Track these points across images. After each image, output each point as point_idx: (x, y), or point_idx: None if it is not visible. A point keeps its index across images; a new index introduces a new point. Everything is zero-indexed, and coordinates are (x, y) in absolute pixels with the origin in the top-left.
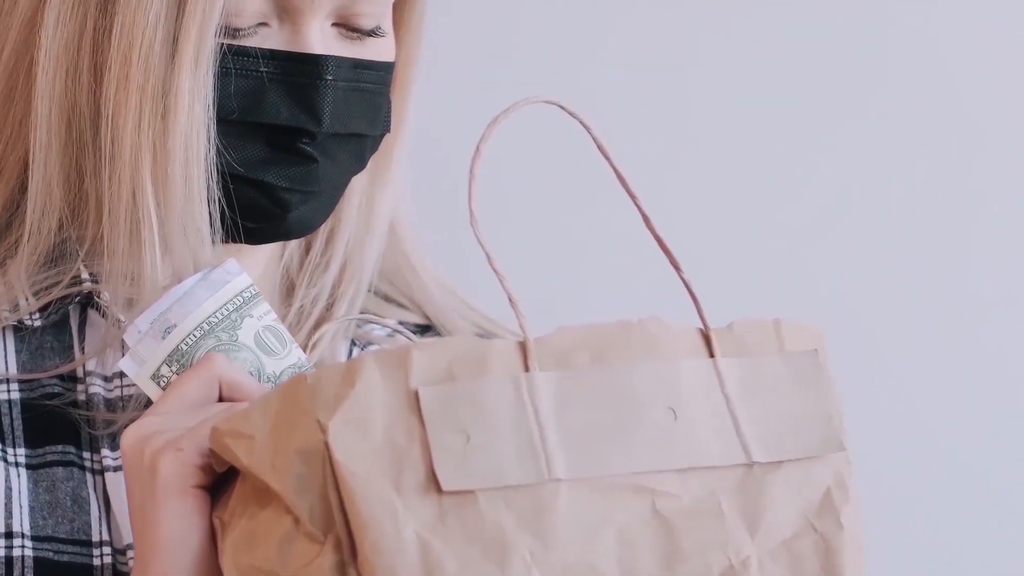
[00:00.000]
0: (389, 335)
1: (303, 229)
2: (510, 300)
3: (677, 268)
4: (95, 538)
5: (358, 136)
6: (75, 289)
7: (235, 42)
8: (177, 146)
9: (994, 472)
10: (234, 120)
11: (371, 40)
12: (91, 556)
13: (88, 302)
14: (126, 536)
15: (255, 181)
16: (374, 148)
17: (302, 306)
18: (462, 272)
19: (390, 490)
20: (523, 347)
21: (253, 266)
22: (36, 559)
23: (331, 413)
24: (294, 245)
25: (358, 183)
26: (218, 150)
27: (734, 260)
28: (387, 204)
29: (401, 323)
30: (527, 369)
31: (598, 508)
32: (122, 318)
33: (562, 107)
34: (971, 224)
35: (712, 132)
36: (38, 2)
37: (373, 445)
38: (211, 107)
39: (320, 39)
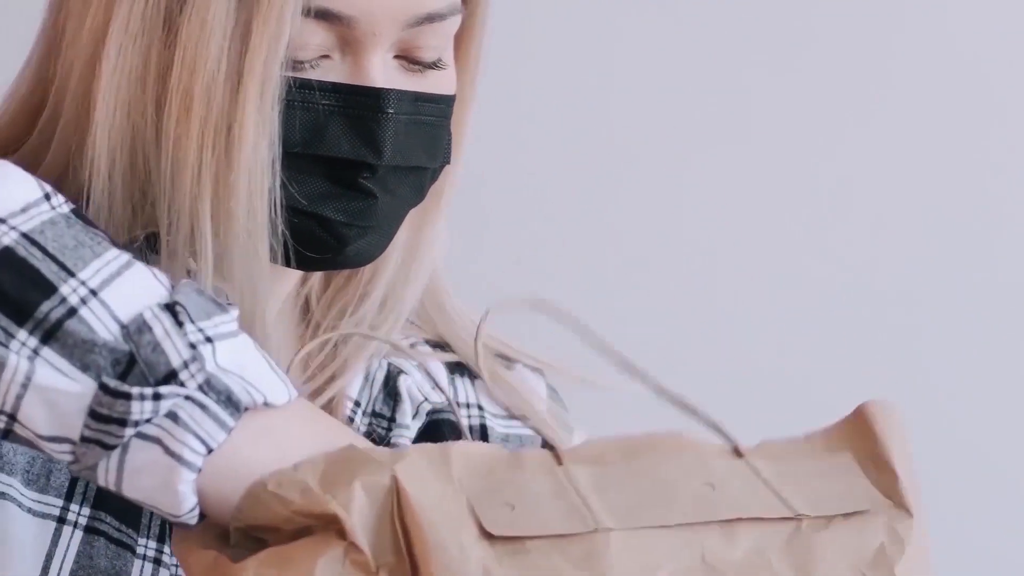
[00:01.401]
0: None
1: (359, 262)
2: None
3: (695, 412)
4: None
5: (418, 169)
6: None
7: (297, 75)
8: (241, 181)
9: None
10: (295, 153)
11: (432, 73)
12: None
13: None
14: None
15: (313, 215)
16: (433, 179)
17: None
18: (463, 272)
19: (454, 527)
20: (555, 452)
21: (286, 283)
22: None
23: (394, 463)
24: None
25: (404, 225)
26: (281, 183)
27: (742, 258)
28: (435, 239)
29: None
30: (560, 464)
31: (648, 555)
32: None
33: (548, 311)
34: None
35: (729, 134)
36: (100, 34)
37: (430, 495)
38: (276, 141)
39: (382, 72)
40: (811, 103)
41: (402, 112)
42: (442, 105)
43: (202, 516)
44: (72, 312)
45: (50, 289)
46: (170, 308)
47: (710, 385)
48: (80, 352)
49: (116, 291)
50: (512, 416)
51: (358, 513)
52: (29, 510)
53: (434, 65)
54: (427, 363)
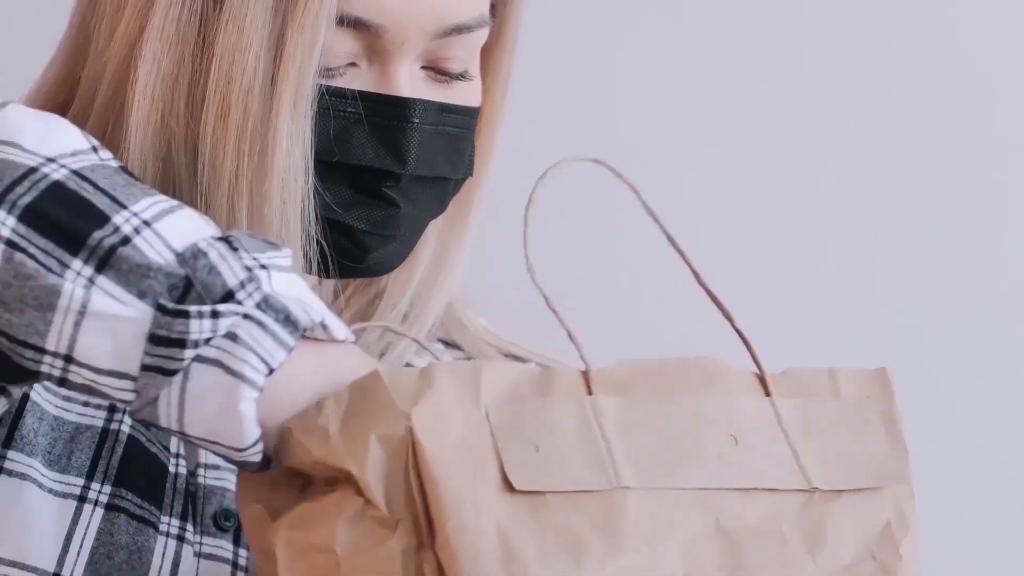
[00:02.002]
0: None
1: (380, 270)
2: (570, 336)
3: (730, 319)
4: None
5: (441, 180)
6: None
7: (325, 82)
8: (274, 188)
9: None
10: (320, 161)
11: (458, 84)
12: None
13: None
14: None
15: (336, 222)
16: (455, 191)
17: (368, 345)
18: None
19: (470, 481)
20: (585, 375)
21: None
22: None
23: (412, 404)
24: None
25: (434, 228)
26: (314, 191)
27: (753, 256)
28: (462, 251)
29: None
30: (590, 393)
31: (665, 518)
32: None
33: (610, 168)
34: None
35: (735, 132)
36: (134, 40)
37: (450, 442)
38: (310, 148)
39: (409, 81)
40: (812, 103)
41: (427, 122)
42: (467, 117)
43: (269, 461)
44: (126, 240)
45: (103, 219)
46: (224, 239)
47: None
48: (135, 277)
49: (169, 223)
50: None
51: (372, 469)
52: (50, 491)
53: (460, 76)
54: (442, 358)
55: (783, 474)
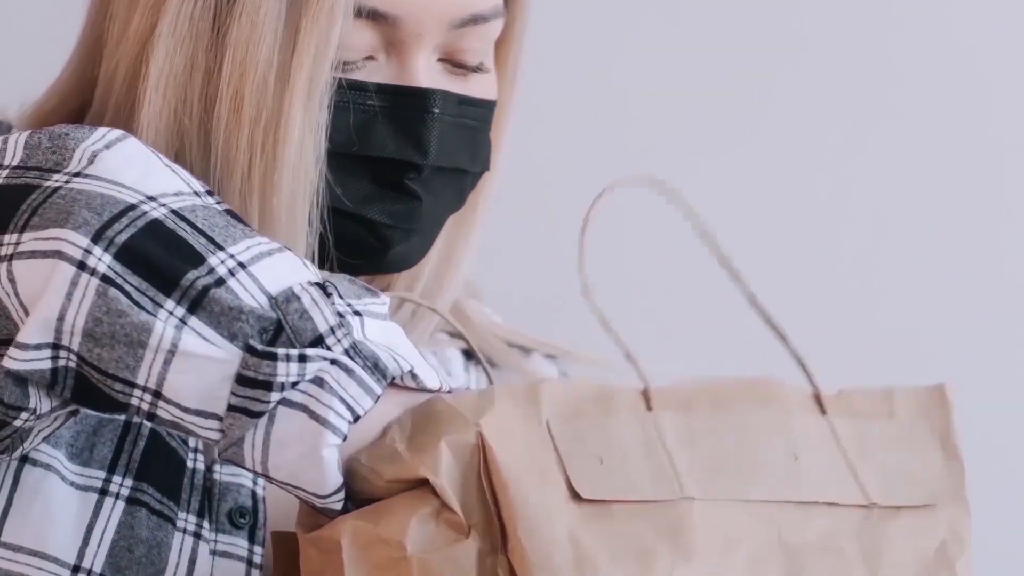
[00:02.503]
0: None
1: (401, 265)
2: (627, 356)
3: (785, 340)
4: None
5: (460, 172)
6: None
7: (343, 75)
8: (284, 180)
9: None
10: (339, 154)
11: (475, 76)
12: None
13: None
14: None
15: (358, 216)
16: (472, 186)
17: None
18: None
19: (539, 488)
20: (645, 393)
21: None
22: None
23: (479, 415)
24: None
25: (441, 231)
26: (326, 184)
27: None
28: (469, 248)
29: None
30: (650, 409)
31: (730, 529)
32: None
33: (667, 191)
34: None
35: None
36: (146, 37)
37: (517, 451)
38: (322, 141)
39: (427, 73)
40: (813, 104)
41: (447, 113)
42: (484, 109)
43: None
44: (220, 282)
45: (198, 259)
46: (319, 284)
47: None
48: (227, 320)
49: (266, 267)
50: None
51: (446, 474)
52: (72, 483)
53: (477, 69)
54: (444, 350)
55: (842, 489)
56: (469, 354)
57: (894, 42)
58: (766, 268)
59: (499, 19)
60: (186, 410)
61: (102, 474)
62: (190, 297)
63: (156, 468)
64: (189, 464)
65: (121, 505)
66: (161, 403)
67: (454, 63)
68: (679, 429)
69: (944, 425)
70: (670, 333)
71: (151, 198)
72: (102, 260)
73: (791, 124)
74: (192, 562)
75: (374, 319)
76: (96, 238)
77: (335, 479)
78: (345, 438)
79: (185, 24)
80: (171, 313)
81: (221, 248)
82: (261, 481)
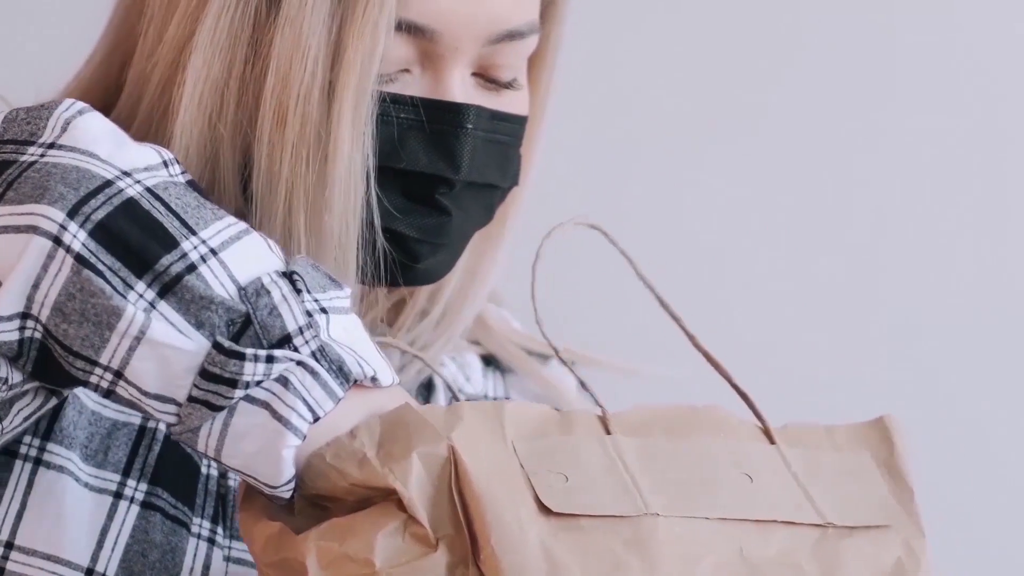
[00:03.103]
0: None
1: (429, 279)
2: (582, 384)
3: (729, 379)
4: None
5: (491, 188)
6: None
7: (379, 88)
8: (336, 196)
9: None
10: (377, 167)
11: (508, 92)
12: None
13: None
14: None
15: (387, 230)
16: (501, 201)
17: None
18: None
19: (510, 501)
20: (602, 419)
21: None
22: None
23: (450, 430)
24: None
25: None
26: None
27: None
28: (495, 264)
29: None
30: (608, 433)
31: (694, 544)
32: None
33: (606, 235)
34: None
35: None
36: (184, 43)
37: (486, 465)
38: (370, 157)
39: (461, 87)
40: (814, 103)
41: (480, 128)
42: (516, 125)
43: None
44: (192, 268)
45: (172, 243)
46: (288, 276)
47: (713, 382)
48: (196, 308)
49: (235, 253)
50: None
51: (416, 486)
52: (86, 485)
53: (509, 85)
54: (463, 355)
55: (797, 509)
56: (488, 360)
57: (894, 41)
58: (765, 268)
59: (534, 35)
60: (145, 393)
61: (117, 477)
62: (162, 282)
63: (171, 473)
64: (203, 470)
65: (136, 509)
66: (121, 383)
67: (488, 78)
68: (638, 451)
69: (887, 454)
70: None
71: (126, 173)
72: (77, 237)
73: (791, 124)
74: (206, 568)
75: (338, 315)
76: (72, 213)
77: (289, 473)
78: (304, 438)
79: (224, 32)
80: (141, 296)
81: (194, 232)
82: None
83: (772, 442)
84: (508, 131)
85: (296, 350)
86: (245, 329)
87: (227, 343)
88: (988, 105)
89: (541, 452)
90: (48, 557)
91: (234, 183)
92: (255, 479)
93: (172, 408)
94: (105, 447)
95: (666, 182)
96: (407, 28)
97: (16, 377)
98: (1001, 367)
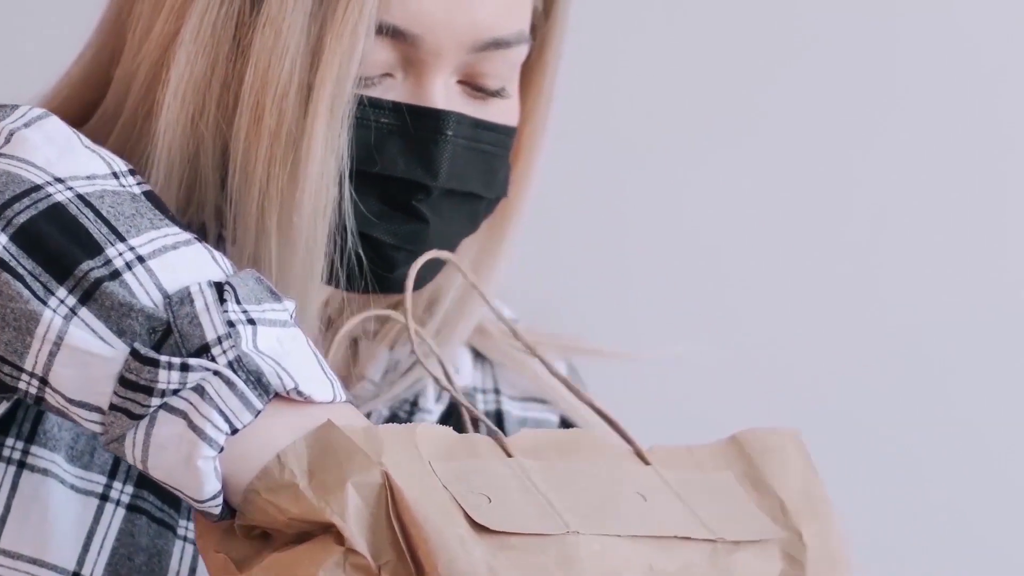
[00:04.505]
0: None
1: (403, 288)
2: (468, 410)
3: (591, 404)
4: None
5: (473, 197)
6: None
7: (359, 91)
8: (306, 197)
9: None
10: (352, 171)
11: (495, 101)
12: None
13: None
14: None
15: (363, 235)
16: (488, 211)
17: (399, 361)
18: None
19: (448, 522)
20: (499, 442)
21: (321, 292)
22: None
23: (378, 454)
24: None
25: (467, 251)
26: (349, 201)
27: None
28: (493, 276)
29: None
30: (509, 456)
31: (611, 561)
32: None
33: (456, 266)
34: None
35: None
36: (168, 41)
37: (417, 488)
38: (343, 158)
39: (444, 94)
40: (813, 102)
41: (461, 136)
42: (502, 135)
43: (232, 511)
44: (115, 275)
45: (95, 249)
46: (218, 286)
47: (711, 381)
48: (116, 315)
49: (166, 262)
50: (531, 399)
51: (354, 518)
52: (72, 486)
53: (497, 94)
54: (453, 350)
55: (690, 525)
56: (477, 352)
57: (892, 40)
58: (764, 268)
59: (523, 45)
60: (70, 401)
61: (103, 479)
62: (82, 288)
63: None
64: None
65: (122, 512)
66: (48, 390)
67: (474, 86)
68: (542, 472)
69: (748, 470)
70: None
71: (59, 180)
72: None
73: (789, 124)
74: (192, 570)
75: (271, 327)
76: None
77: (212, 486)
78: (222, 450)
79: (208, 31)
80: (62, 302)
81: (122, 239)
82: None
83: (647, 463)
84: (493, 140)
85: (214, 359)
86: (166, 338)
87: (144, 350)
88: (988, 104)
89: (458, 474)
90: (34, 561)
91: (214, 181)
92: (181, 492)
93: (97, 416)
94: (91, 448)
95: (664, 182)
96: (388, 32)
97: None
98: (999, 366)
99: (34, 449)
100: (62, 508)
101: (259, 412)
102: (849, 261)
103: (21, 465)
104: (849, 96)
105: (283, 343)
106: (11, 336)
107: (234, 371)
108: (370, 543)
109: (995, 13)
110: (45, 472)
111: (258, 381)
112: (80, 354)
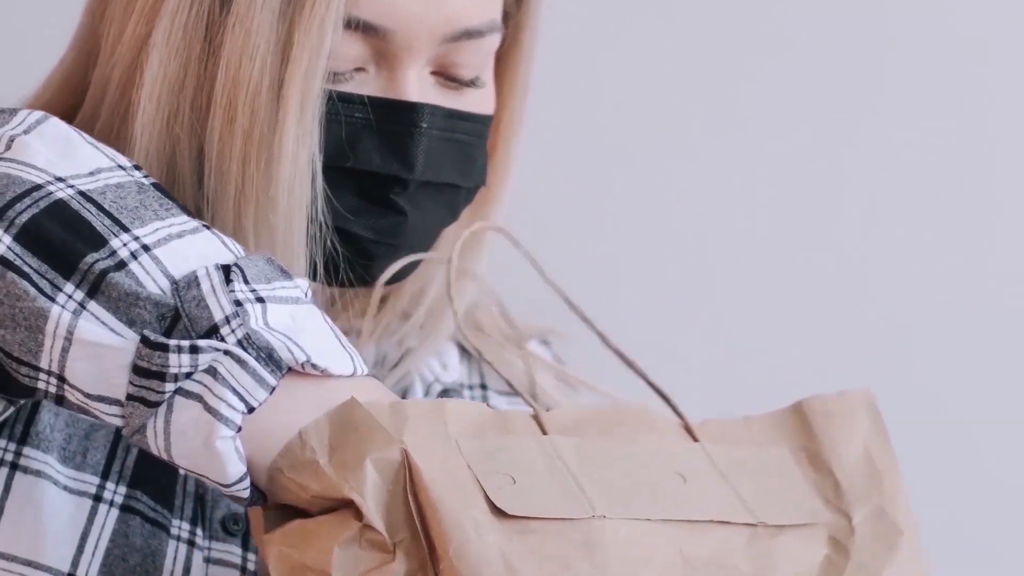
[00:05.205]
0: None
1: (385, 281)
2: (510, 385)
3: (644, 376)
4: None
5: (451, 187)
6: None
7: (332, 87)
8: (281, 193)
9: None
10: (327, 167)
11: (469, 91)
12: None
13: None
14: None
15: (342, 230)
16: (467, 201)
17: (386, 355)
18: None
19: (465, 504)
20: (536, 418)
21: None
22: None
23: (399, 432)
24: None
25: (449, 241)
26: (324, 197)
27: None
28: (478, 264)
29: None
30: (544, 433)
31: (640, 546)
32: None
33: (508, 236)
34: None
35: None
36: (141, 44)
37: (438, 468)
38: (317, 155)
39: (417, 86)
40: (810, 100)
41: (435, 127)
42: (478, 124)
43: (264, 495)
44: (121, 265)
45: (99, 242)
46: (225, 268)
47: (709, 380)
48: (125, 306)
49: (172, 249)
50: (515, 393)
51: (371, 495)
52: (65, 487)
53: (471, 83)
54: (440, 344)
55: (730, 509)
56: (464, 349)
57: (883, 36)
58: (755, 264)
59: (495, 34)
60: (88, 396)
61: (96, 480)
62: (89, 281)
63: (149, 475)
64: (181, 471)
65: (115, 513)
66: (66, 387)
67: (448, 77)
68: (576, 452)
69: (808, 442)
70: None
71: (60, 179)
72: (2, 241)
73: (779, 119)
74: (187, 570)
75: (281, 304)
76: None
77: (236, 468)
78: (240, 430)
79: (179, 32)
80: (70, 297)
81: (126, 230)
82: None
83: (695, 439)
84: (468, 130)
85: (223, 339)
86: (176, 323)
87: (153, 336)
88: (979, 101)
89: (485, 453)
90: (28, 563)
91: (192, 182)
92: (207, 478)
93: (116, 409)
94: (84, 448)
95: (653, 178)
96: (359, 26)
97: None
98: (989, 362)
99: (26, 451)
100: (56, 509)
101: (273, 388)
102: (839, 258)
103: (14, 467)
104: (838, 91)
105: (296, 319)
106: (24, 336)
107: (244, 349)
108: (386, 520)
109: (986, 10)
110: (38, 473)
111: (269, 357)
112: (92, 347)
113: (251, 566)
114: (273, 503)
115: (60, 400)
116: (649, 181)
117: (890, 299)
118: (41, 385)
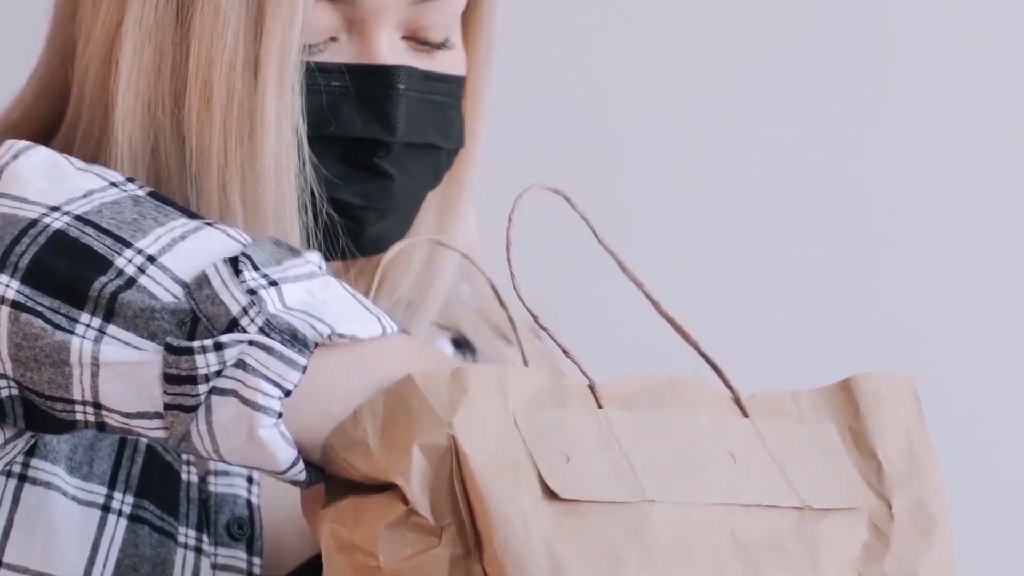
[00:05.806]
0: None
1: (379, 247)
2: (565, 352)
3: (696, 347)
4: None
5: (433, 148)
6: None
7: (308, 58)
8: (267, 167)
9: None
10: (309, 137)
11: (441, 53)
12: None
13: None
14: None
15: (331, 199)
16: (448, 163)
17: None
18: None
19: (512, 490)
20: (592, 389)
21: None
22: None
23: (451, 412)
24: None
25: (431, 206)
26: (310, 167)
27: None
28: (460, 227)
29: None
30: (600, 406)
31: (689, 531)
32: None
33: (565, 197)
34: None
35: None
36: (113, 34)
37: (489, 450)
38: (300, 125)
39: (390, 50)
40: (810, 98)
41: (413, 88)
42: (452, 85)
43: (322, 472)
44: (130, 283)
45: (104, 264)
46: (233, 260)
47: (710, 375)
48: (143, 321)
49: (177, 253)
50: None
51: (417, 480)
52: (74, 498)
53: (442, 45)
54: (434, 340)
55: (778, 491)
56: (458, 343)
57: (883, 31)
58: (756, 262)
59: None
60: (128, 415)
61: (104, 490)
62: (103, 306)
63: (155, 484)
64: (184, 477)
65: (124, 523)
66: (104, 412)
67: (418, 40)
68: (629, 427)
69: (854, 422)
70: (607, 328)
71: (54, 208)
72: (10, 287)
73: (783, 111)
74: None
75: (296, 283)
76: (1, 266)
77: (286, 454)
78: (280, 415)
79: (150, 17)
80: (88, 326)
81: (128, 245)
82: (255, 490)
83: (745, 415)
84: (444, 91)
85: (244, 331)
86: (196, 325)
87: (176, 342)
88: (984, 97)
89: (541, 429)
90: (41, 575)
91: (178, 169)
92: (261, 469)
93: (157, 423)
94: (89, 459)
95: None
96: None
97: (10, 433)
98: (992, 358)
99: (34, 462)
100: (66, 520)
101: (304, 367)
102: (841, 253)
103: (22, 478)
104: (840, 85)
105: (314, 293)
106: (51, 373)
107: (267, 335)
108: (432, 505)
109: (989, 7)
110: (47, 485)
111: (294, 337)
112: (120, 367)
113: (257, 571)
114: (331, 477)
115: (101, 427)
116: (657, 172)
117: (895, 293)
118: (79, 416)
